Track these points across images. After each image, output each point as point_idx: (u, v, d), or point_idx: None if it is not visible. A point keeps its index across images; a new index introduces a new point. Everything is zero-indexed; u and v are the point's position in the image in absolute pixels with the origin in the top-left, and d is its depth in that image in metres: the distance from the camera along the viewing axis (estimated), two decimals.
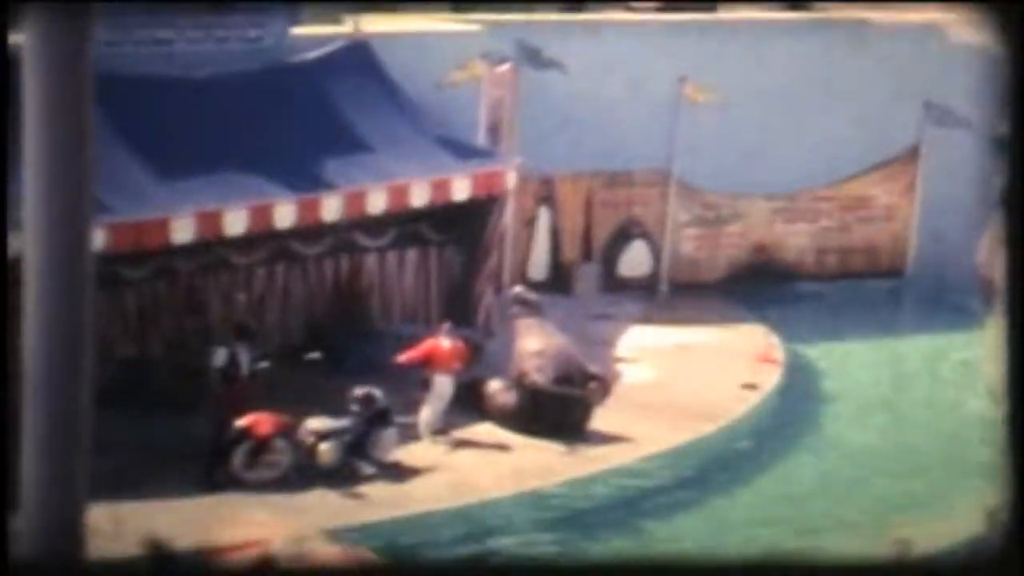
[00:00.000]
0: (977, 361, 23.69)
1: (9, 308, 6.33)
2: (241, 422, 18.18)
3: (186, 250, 20.09)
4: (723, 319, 25.53)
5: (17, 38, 5.49)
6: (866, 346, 25.39)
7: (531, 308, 21.65)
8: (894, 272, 28.44)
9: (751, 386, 22.57)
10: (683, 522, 18.78)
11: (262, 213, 20.15)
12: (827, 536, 18.29)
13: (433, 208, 22.12)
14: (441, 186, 21.86)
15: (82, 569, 5.44)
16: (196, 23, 22.11)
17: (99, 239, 17.22)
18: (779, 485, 20.16)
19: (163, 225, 19.27)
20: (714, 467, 20.38)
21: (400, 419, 19.26)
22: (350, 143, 21.57)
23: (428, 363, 19.90)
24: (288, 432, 18.43)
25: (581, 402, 20.58)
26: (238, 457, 18.21)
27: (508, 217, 24.12)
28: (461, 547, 17.51)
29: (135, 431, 18.43)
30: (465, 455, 19.65)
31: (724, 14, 29.33)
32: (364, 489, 18.42)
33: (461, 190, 22.10)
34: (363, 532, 17.27)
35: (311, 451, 18.59)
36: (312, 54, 22.65)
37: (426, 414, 19.85)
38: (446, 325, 20.38)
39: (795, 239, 27.95)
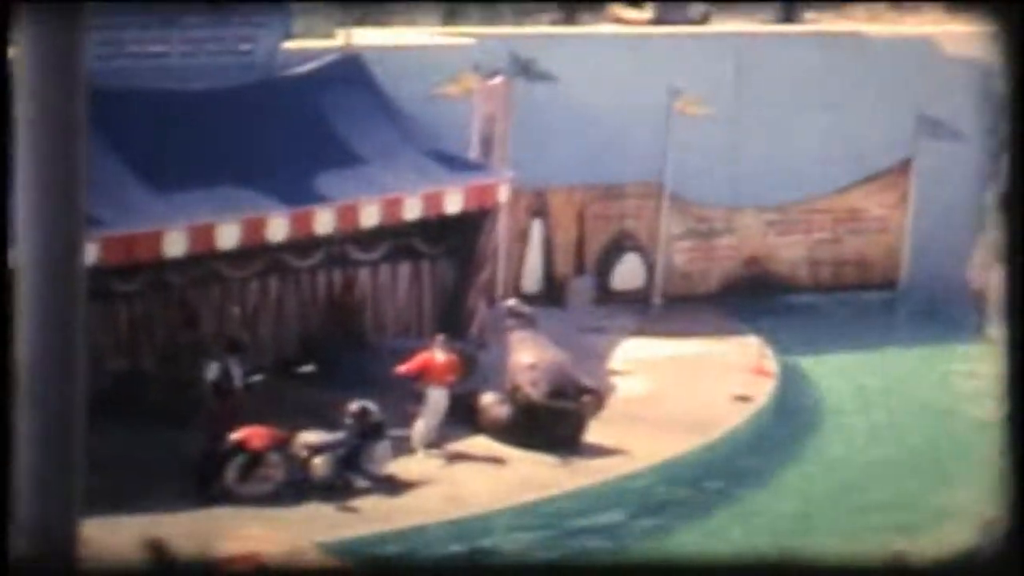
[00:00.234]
0: (970, 373, 23.70)
1: (6, 317, 6.31)
2: (235, 436, 18.16)
3: (179, 263, 20.09)
4: (716, 331, 25.50)
5: (13, 44, 5.47)
6: (859, 358, 25.38)
7: (524, 321, 21.62)
8: (887, 284, 28.43)
9: (744, 398, 22.56)
10: (678, 535, 18.77)
11: (255, 226, 20.16)
12: (820, 547, 18.27)
13: (426, 221, 22.14)
14: (434, 199, 21.88)
15: (79, 572, 5.44)
16: (188, 37, 22.09)
17: (92, 252, 17.21)
18: (772, 497, 20.15)
19: (156, 238, 19.29)
20: (708, 478, 20.37)
21: (394, 432, 19.23)
22: (343, 156, 21.59)
23: (422, 376, 19.88)
24: (282, 446, 18.40)
25: (575, 415, 20.55)
26: (232, 471, 18.17)
27: (501, 230, 24.14)
28: (454, 560, 17.48)
29: (128, 444, 18.37)
30: (459, 468, 19.62)
31: (716, 27, 29.38)
32: (358, 503, 18.38)
33: (454, 203, 22.10)
34: (357, 545, 17.23)
35: (305, 465, 18.55)
36: (304, 67, 22.66)
37: (420, 427, 19.82)
38: (440, 338, 20.35)
39: (788, 251, 27.95)
